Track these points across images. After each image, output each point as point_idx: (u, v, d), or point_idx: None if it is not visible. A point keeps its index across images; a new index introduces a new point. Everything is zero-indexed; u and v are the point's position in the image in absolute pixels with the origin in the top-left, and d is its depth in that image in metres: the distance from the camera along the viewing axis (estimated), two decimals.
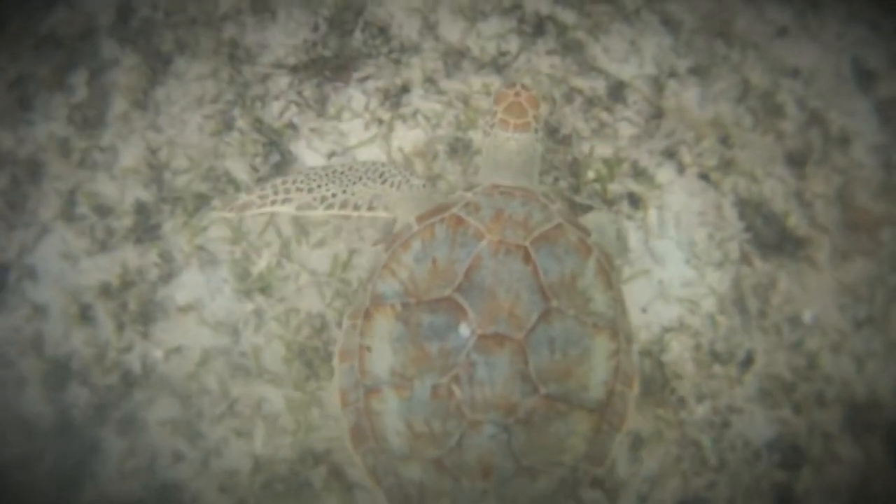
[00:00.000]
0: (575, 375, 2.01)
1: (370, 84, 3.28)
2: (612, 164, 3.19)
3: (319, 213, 2.43)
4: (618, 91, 3.38)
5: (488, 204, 2.18)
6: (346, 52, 3.36)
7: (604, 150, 3.24)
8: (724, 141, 3.30)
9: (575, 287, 2.08)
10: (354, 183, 2.45)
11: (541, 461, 1.98)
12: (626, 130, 3.29)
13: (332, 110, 3.22)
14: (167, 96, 3.27)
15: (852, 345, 3.03)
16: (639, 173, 3.19)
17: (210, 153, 3.14)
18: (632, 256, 3.03)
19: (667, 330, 2.95)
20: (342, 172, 2.49)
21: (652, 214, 3.11)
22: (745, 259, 3.08)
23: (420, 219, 2.20)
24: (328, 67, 3.32)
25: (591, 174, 3.15)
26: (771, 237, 3.14)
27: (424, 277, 2.07)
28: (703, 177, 3.21)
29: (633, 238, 3.06)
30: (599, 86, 3.38)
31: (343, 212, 2.43)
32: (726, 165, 3.24)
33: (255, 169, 3.10)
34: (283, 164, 3.11)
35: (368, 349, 2.08)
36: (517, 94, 2.41)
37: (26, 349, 2.87)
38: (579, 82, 3.34)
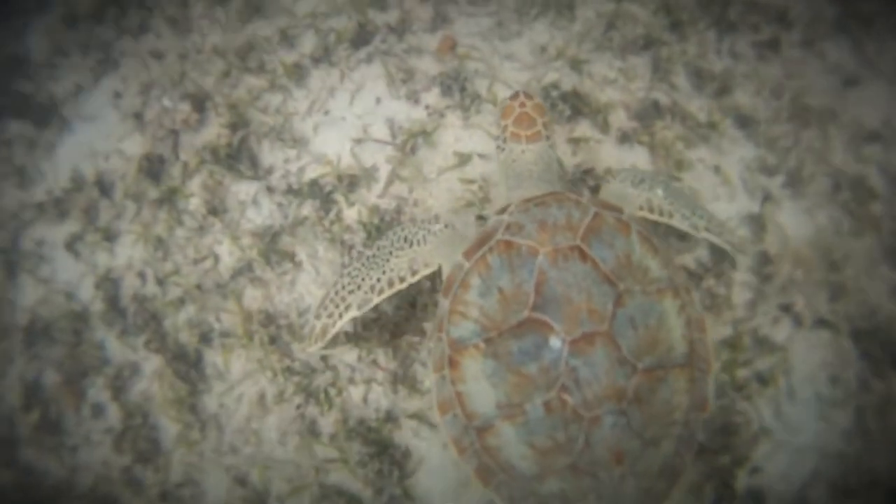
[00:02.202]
0: (660, 341, 2.14)
1: None
2: (734, 346, 3.05)
3: (376, 300, 2.44)
4: (720, 250, 3.06)
5: (528, 219, 2.22)
6: None
7: (723, 329, 3.05)
8: (831, 265, 3.14)
9: (631, 264, 2.18)
10: (388, 260, 2.46)
11: (659, 428, 2.11)
12: (740, 296, 3.07)
13: None
14: None
15: None
16: (760, 343, 3.08)
17: None
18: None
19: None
20: (374, 256, 2.50)
21: (781, 384, 3.09)
22: (864, 387, 3.20)
23: (468, 254, 2.23)
24: None
25: (716, 365, 3.03)
26: (887, 357, 3.21)
27: (497, 308, 2.11)
28: (820, 322, 3.13)
29: (766, 413, 3.08)
30: (702, 254, 3.04)
31: (393, 289, 2.45)
32: (837, 295, 3.15)
33: None
34: None
35: (465, 394, 2.13)
36: (522, 105, 2.44)
37: None
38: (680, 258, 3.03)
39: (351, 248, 3.16)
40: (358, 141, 3.26)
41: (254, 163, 3.33)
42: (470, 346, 2.12)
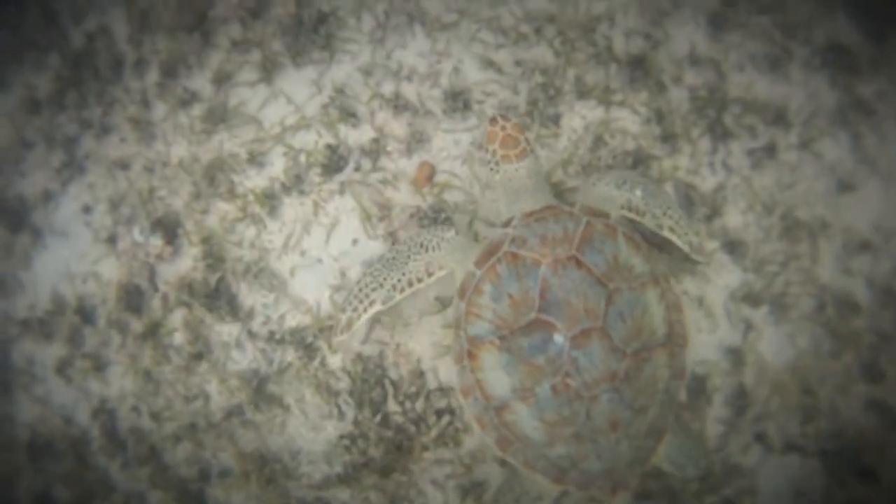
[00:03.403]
0: (644, 327, 2.51)
1: None
2: (705, 478, 3.11)
3: (398, 298, 2.75)
4: (701, 385, 3.09)
5: (530, 234, 2.56)
6: None
7: None
8: (807, 389, 3.17)
9: (619, 264, 2.53)
10: (406, 263, 2.76)
11: (646, 398, 2.52)
12: (713, 430, 3.14)
13: None
14: None
15: None
16: (730, 471, 3.14)
17: None
18: None
19: None
20: (393, 259, 2.79)
21: None
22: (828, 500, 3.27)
23: (478, 264, 2.59)
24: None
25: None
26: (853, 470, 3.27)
27: (508, 311, 2.49)
28: (790, 447, 3.18)
29: None
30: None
31: (413, 288, 2.75)
32: (810, 418, 3.18)
33: None
34: None
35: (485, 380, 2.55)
36: (503, 128, 2.67)
37: None
38: None
39: (337, 393, 3.18)
40: (336, 288, 3.18)
41: (233, 305, 3.28)
42: (486, 342, 2.51)
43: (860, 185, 3.31)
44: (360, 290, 2.80)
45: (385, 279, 2.77)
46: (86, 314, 3.51)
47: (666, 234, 2.83)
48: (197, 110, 3.56)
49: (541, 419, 2.48)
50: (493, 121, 2.70)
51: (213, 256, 3.31)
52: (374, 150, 3.30)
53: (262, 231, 3.32)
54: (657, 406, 2.57)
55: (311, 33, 3.51)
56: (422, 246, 2.77)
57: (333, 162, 3.30)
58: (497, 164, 2.70)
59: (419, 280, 2.76)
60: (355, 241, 3.22)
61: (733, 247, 3.21)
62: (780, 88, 3.45)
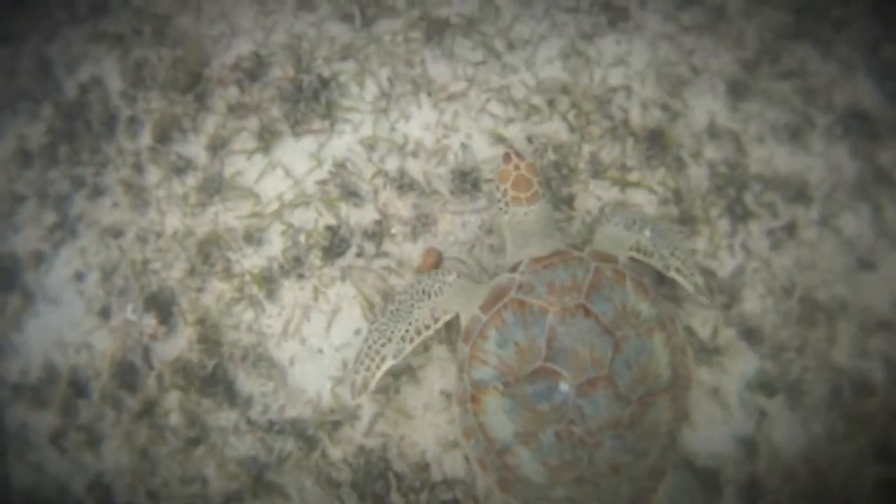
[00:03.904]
0: (649, 373, 2.48)
1: None
2: None
3: (409, 349, 2.70)
4: (713, 478, 3.01)
5: (538, 280, 2.51)
6: None
7: None
8: (818, 473, 3.08)
9: (627, 312, 2.50)
10: (411, 312, 2.72)
11: (648, 442, 2.50)
12: None
13: None
14: None
15: None
16: None
17: None
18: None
19: None
20: (397, 310, 2.75)
21: None
22: None
23: (484, 308, 2.54)
24: None
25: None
26: None
27: (514, 358, 2.45)
28: None
29: None
30: None
31: (421, 337, 2.71)
32: (820, 501, 3.10)
33: None
34: None
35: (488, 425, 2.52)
36: (517, 168, 2.61)
37: None
38: None
39: (339, 485, 3.09)
40: (338, 380, 3.07)
41: (231, 392, 3.17)
42: (490, 387, 2.46)
43: (880, 262, 3.20)
44: (370, 346, 2.75)
45: (393, 332, 2.73)
46: (79, 387, 3.41)
47: (672, 274, 2.80)
48: (192, 179, 3.40)
49: (543, 463, 2.45)
50: (506, 157, 2.63)
51: (209, 340, 3.19)
52: (378, 233, 3.15)
53: (261, 314, 3.19)
54: (659, 449, 2.55)
55: (311, 101, 3.34)
56: (424, 292, 2.73)
57: (334, 245, 3.15)
58: (507, 204, 2.64)
59: (427, 327, 2.70)
60: (357, 332, 3.09)
61: (750, 334, 3.08)
62: (800, 160, 3.33)
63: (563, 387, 2.38)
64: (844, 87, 3.44)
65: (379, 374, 2.72)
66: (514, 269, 2.59)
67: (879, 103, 3.41)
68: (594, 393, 2.38)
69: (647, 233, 2.76)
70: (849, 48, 3.51)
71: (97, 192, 3.57)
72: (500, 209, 2.69)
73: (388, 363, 2.71)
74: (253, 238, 3.25)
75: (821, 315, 3.14)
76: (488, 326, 2.50)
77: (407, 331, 2.71)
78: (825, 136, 3.36)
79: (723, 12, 3.55)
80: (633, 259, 2.77)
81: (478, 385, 2.50)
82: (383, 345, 2.73)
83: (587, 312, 2.44)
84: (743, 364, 3.11)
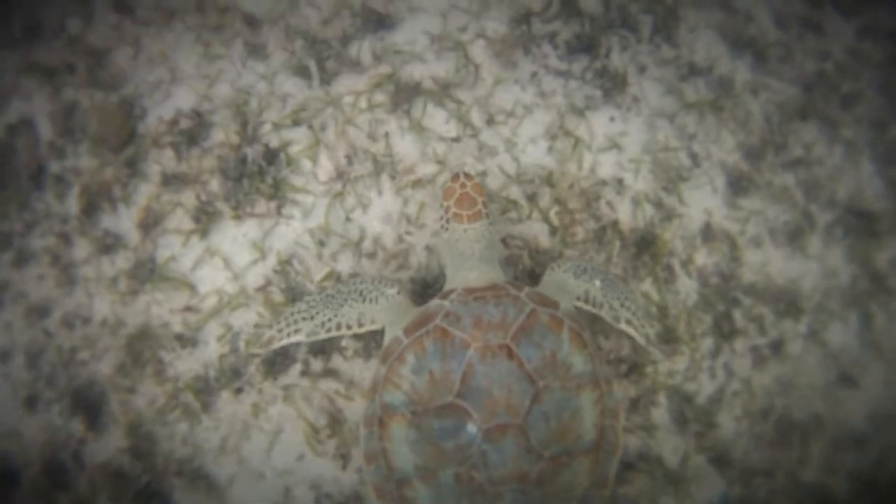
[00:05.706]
0: (570, 432, 2.33)
1: None
2: None
3: (322, 336, 2.61)
4: None
5: (466, 312, 2.40)
6: None
7: None
8: None
9: (556, 362, 2.36)
10: (342, 306, 2.62)
11: (556, 502, 2.36)
12: None
13: None
14: None
15: None
16: None
17: None
18: None
19: None
20: (331, 296, 2.65)
21: None
22: None
23: (407, 331, 2.44)
24: None
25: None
26: None
27: (425, 388, 2.34)
28: None
29: None
30: None
31: (339, 333, 2.60)
32: None
33: None
34: None
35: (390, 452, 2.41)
36: (463, 186, 2.56)
37: None
38: None
39: None
40: None
41: None
42: (398, 413, 2.34)
43: (861, 375, 2.99)
44: (292, 314, 2.66)
45: (317, 314, 2.63)
46: (9, 476, 3.11)
47: (623, 326, 2.64)
48: (122, 260, 2.99)
49: (440, 503, 2.32)
50: (454, 177, 2.58)
51: (141, 451, 2.85)
52: (326, 348, 2.74)
53: (196, 426, 2.83)
54: None
55: (256, 177, 2.87)
56: (361, 294, 2.62)
57: (276, 359, 2.75)
58: (448, 221, 2.56)
59: (348, 327, 2.59)
60: (301, 457, 2.74)
61: (720, 459, 2.80)
62: (796, 265, 3.05)
63: (471, 428, 2.25)
64: (848, 177, 3.14)
65: (285, 342, 2.62)
66: (444, 296, 2.47)
67: (881, 194, 3.14)
68: (502, 440, 2.25)
69: (597, 283, 2.61)
70: (856, 128, 3.19)
71: (24, 258, 3.17)
72: (441, 227, 2.59)
73: (299, 338, 2.61)
74: (187, 339, 2.85)
75: (795, 436, 2.89)
76: (408, 350, 2.38)
77: (330, 320, 2.60)
78: (824, 237, 3.09)
79: (730, 86, 3.07)
80: (579, 309, 2.58)
81: (387, 409, 2.37)
82: (304, 319, 2.63)
83: (510, 355, 2.31)
84: (708, 489, 2.85)
